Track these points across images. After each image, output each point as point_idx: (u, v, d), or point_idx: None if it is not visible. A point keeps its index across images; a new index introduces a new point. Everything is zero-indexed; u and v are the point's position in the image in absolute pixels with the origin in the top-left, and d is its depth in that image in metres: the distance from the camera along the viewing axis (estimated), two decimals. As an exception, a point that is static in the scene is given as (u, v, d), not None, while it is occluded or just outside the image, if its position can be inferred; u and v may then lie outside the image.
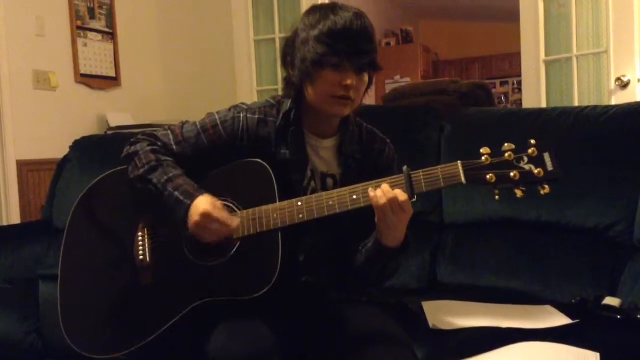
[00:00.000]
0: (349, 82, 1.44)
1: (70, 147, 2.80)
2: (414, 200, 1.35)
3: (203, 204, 1.41)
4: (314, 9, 1.49)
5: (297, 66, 1.48)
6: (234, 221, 1.42)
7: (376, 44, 1.48)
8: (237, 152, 1.51)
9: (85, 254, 1.62)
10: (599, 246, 1.91)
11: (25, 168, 3.67)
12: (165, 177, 1.47)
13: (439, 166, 1.35)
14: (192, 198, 1.43)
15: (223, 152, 1.53)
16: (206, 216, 1.39)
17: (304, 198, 1.43)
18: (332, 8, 1.46)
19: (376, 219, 1.37)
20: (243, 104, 1.58)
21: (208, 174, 1.53)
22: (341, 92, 1.45)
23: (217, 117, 1.55)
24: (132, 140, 1.58)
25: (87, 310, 1.56)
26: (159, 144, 1.55)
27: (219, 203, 1.44)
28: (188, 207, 1.43)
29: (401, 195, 1.34)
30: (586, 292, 1.76)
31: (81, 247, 1.63)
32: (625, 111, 1.99)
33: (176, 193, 1.45)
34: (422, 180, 1.34)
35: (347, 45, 1.42)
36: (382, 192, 1.35)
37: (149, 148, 1.53)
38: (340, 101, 1.46)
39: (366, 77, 1.48)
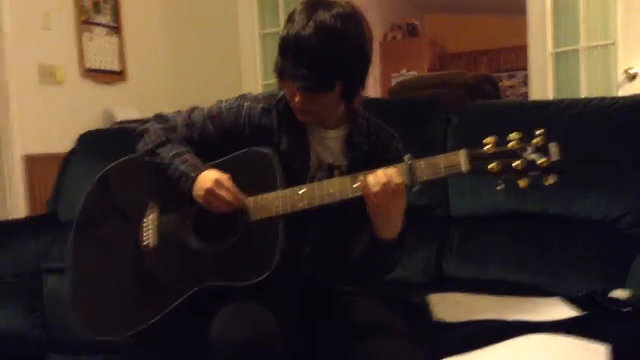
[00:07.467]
0: (295, 99, 1.40)
1: (76, 141, 2.80)
2: (416, 188, 1.33)
3: (213, 173, 1.45)
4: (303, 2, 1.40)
5: None
6: (244, 195, 1.44)
7: (328, 67, 1.33)
8: (242, 142, 1.52)
9: (95, 240, 1.67)
10: (607, 238, 1.89)
11: (32, 162, 3.68)
12: (173, 152, 1.52)
13: (441, 154, 1.32)
14: (199, 171, 1.47)
15: (227, 141, 1.54)
16: (218, 182, 1.42)
17: (306, 185, 1.43)
18: (313, 5, 1.35)
19: (367, 207, 1.33)
20: (250, 93, 1.59)
21: (212, 163, 1.54)
22: (295, 104, 1.42)
23: (223, 104, 1.57)
24: (143, 121, 1.64)
25: (94, 293, 1.60)
26: (168, 125, 1.60)
27: (227, 175, 1.46)
28: (194, 178, 1.46)
29: (397, 178, 1.30)
30: (594, 284, 1.75)
31: (91, 233, 1.68)
32: (633, 103, 1.98)
33: (182, 166, 1.49)
34: (424, 168, 1.32)
35: (291, 61, 1.35)
36: (374, 178, 1.31)
37: (159, 126, 1.59)
38: (298, 111, 1.45)
39: (323, 96, 1.38)
